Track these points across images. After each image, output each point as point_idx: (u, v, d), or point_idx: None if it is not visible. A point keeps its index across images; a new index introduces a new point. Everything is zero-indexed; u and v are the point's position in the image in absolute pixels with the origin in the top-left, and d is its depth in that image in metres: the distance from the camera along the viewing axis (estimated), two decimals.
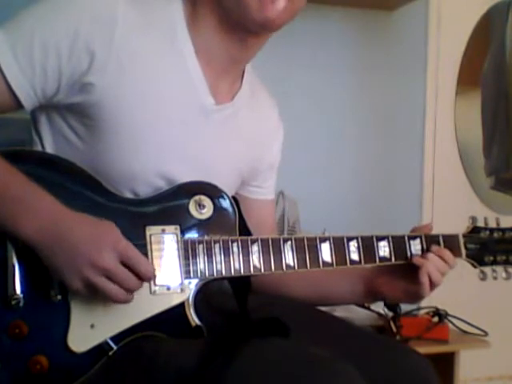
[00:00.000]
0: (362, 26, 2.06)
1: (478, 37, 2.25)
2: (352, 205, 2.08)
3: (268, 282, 1.18)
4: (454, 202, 2.20)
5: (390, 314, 1.71)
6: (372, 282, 1.17)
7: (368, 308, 1.73)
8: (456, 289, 2.10)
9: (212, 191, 1.04)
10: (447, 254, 1.12)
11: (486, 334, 1.79)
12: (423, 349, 1.54)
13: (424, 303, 2.03)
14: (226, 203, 1.04)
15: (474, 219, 1.19)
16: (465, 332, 1.81)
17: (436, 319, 1.75)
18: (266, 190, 1.27)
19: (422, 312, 1.84)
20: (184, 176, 1.04)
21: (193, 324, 0.98)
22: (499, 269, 1.19)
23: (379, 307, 1.72)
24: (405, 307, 1.77)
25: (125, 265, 0.90)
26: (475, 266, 1.18)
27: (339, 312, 1.58)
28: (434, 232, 1.16)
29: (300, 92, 1.96)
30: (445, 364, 1.74)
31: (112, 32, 0.95)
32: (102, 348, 0.94)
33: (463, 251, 1.16)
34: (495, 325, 1.84)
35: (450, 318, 1.78)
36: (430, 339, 1.70)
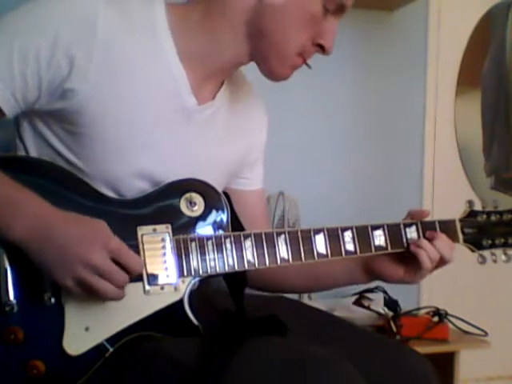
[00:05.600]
0: (362, 25, 2.06)
1: (477, 37, 2.25)
2: (352, 205, 2.08)
3: (261, 272, 1.17)
4: (453, 202, 2.18)
5: (390, 313, 1.71)
6: (370, 262, 1.15)
7: (368, 308, 1.73)
8: (456, 288, 2.11)
9: (202, 188, 1.03)
10: (443, 237, 1.11)
11: (485, 333, 1.79)
12: (423, 349, 1.54)
13: (424, 303, 2.04)
14: (217, 199, 1.04)
15: (470, 203, 1.17)
16: (465, 332, 1.81)
17: (436, 319, 1.75)
18: (253, 180, 1.25)
19: (422, 312, 1.85)
20: (169, 177, 1.03)
21: (190, 322, 0.97)
22: (498, 252, 1.16)
23: (379, 307, 1.72)
24: (405, 307, 1.77)
25: (115, 262, 0.90)
26: (473, 251, 1.15)
27: (339, 312, 1.58)
28: None
29: (300, 92, 1.96)
30: (445, 364, 1.74)
31: (92, 36, 0.94)
32: (98, 350, 0.93)
33: (460, 236, 1.14)
34: (495, 325, 1.84)
35: (449, 317, 1.78)
36: (430, 339, 1.70)
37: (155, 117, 1.02)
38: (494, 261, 1.16)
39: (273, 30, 1.01)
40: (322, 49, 1.05)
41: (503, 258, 1.16)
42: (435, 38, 2.18)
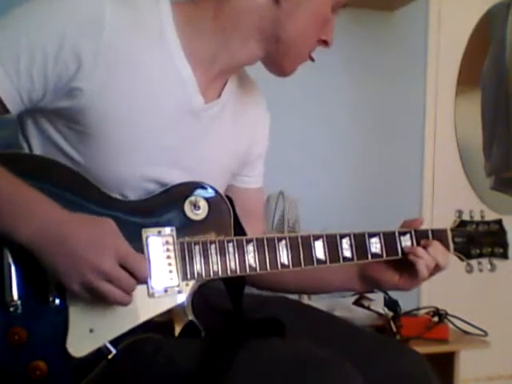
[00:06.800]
0: (362, 25, 2.06)
1: (478, 37, 2.25)
2: (352, 205, 2.09)
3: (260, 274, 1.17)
4: (454, 202, 2.19)
5: (390, 313, 1.71)
6: (366, 268, 1.17)
7: (368, 308, 1.73)
8: (456, 288, 2.11)
9: (207, 192, 1.03)
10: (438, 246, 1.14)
11: (485, 333, 1.79)
12: (423, 349, 1.54)
13: (424, 303, 2.04)
14: (220, 203, 1.04)
15: (460, 213, 1.20)
16: (465, 332, 1.81)
17: (436, 319, 1.76)
18: (254, 178, 1.26)
19: (422, 312, 1.85)
20: (174, 178, 1.03)
21: (191, 324, 0.98)
22: (484, 261, 1.20)
23: (379, 307, 1.72)
24: (405, 307, 1.77)
25: (123, 267, 0.90)
26: (462, 260, 1.19)
27: (339, 312, 1.58)
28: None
29: (300, 92, 1.96)
30: (445, 364, 1.74)
31: (99, 35, 0.93)
32: (100, 352, 0.93)
33: (451, 245, 1.17)
34: (495, 325, 1.84)
35: (449, 317, 1.78)
36: (430, 339, 1.71)
37: (161, 117, 1.01)
38: (480, 270, 1.20)
39: (289, 36, 1.04)
40: (324, 43, 1.10)
41: (488, 267, 1.20)
42: (435, 38, 2.18)
